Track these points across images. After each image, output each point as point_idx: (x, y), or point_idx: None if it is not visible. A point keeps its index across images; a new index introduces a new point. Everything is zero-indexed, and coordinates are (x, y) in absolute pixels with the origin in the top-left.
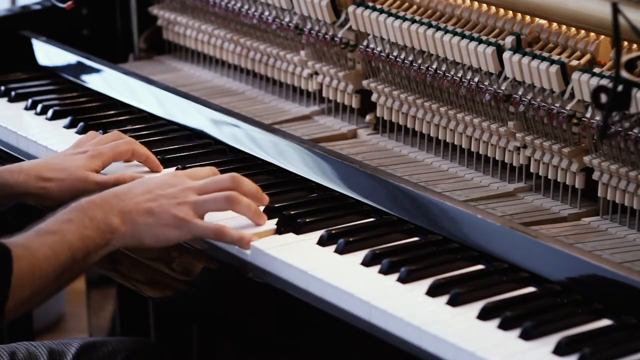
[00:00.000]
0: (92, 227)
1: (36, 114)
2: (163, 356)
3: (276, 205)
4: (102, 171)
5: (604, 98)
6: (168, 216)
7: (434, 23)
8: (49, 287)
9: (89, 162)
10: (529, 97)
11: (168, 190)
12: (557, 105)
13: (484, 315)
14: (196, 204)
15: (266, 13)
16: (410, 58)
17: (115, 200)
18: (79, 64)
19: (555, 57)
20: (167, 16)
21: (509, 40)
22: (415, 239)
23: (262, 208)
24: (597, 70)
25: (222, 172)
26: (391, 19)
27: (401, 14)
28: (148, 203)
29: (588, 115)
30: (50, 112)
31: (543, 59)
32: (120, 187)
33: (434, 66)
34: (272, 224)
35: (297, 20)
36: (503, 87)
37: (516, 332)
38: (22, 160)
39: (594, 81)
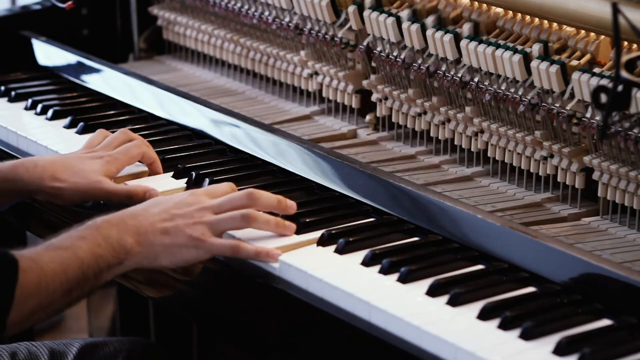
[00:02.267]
0: (105, 246)
1: (36, 114)
2: (163, 356)
3: None
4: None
5: (604, 98)
6: (184, 236)
7: (434, 23)
8: (55, 302)
9: (104, 167)
10: (529, 97)
11: (184, 209)
12: (557, 105)
13: (484, 315)
14: (212, 223)
15: (266, 13)
16: (410, 58)
17: (131, 220)
18: (79, 64)
19: (555, 57)
20: (167, 16)
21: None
22: (415, 239)
23: None
24: (597, 70)
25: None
26: (391, 18)
27: (401, 13)
28: (164, 223)
29: (588, 115)
30: (50, 112)
31: (543, 58)
32: (137, 207)
33: (434, 66)
34: None
35: (297, 20)
36: (503, 87)
37: (516, 332)
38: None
39: (594, 81)
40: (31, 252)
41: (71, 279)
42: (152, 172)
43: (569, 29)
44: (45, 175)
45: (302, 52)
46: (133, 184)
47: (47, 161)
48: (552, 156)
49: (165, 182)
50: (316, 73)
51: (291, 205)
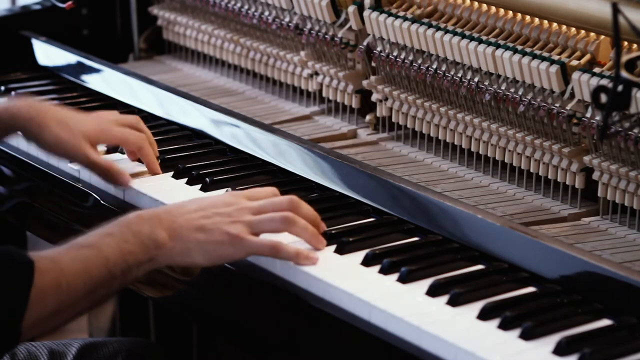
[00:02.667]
0: (135, 242)
1: None
2: (163, 356)
3: None
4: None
5: (604, 98)
6: (220, 233)
7: (434, 23)
8: (78, 302)
9: (93, 131)
10: (529, 97)
11: (223, 209)
12: (557, 105)
13: (484, 315)
14: (251, 223)
15: (266, 13)
16: (411, 58)
17: (166, 216)
18: (79, 64)
19: (555, 57)
20: (167, 16)
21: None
22: (415, 239)
23: None
24: (597, 70)
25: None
26: (391, 18)
27: (401, 14)
28: (200, 220)
29: (588, 115)
30: None
31: (543, 58)
32: (173, 204)
33: (434, 66)
34: None
35: (297, 20)
36: (503, 87)
37: (516, 332)
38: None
39: (594, 81)
40: (52, 252)
41: (95, 278)
42: (147, 166)
43: (570, 29)
44: (34, 117)
45: (302, 52)
46: (116, 163)
47: (44, 106)
48: (552, 157)
49: (165, 182)
50: (316, 73)
51: (323, 225)
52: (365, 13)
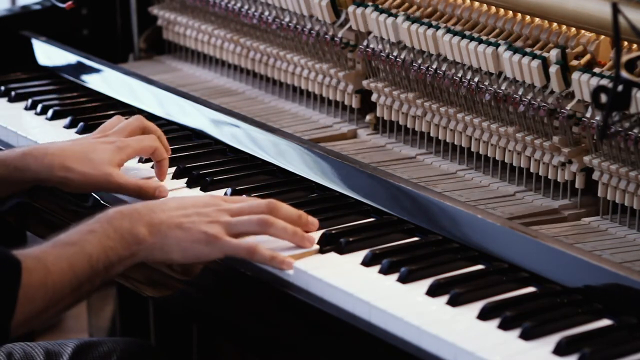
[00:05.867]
0: (116, 238)
1: (36, 114)
2: (159, 357)
3: None
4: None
5: (604, 98)
6: (198, 232)
7: (434, 23)
8: (64, 299)
9: (114, 155)
10: (529, 97)
11: (202, 209)
12: (557, 103)
13: (484, 315)
14: (228, 224)
15: (266, 13)
16: (411, 58)
17: (146, 211)
18: (79, 64)
19: (553, 56)
20: (167, 16)
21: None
22: (415, 239)
23: None
24: (597, 70)
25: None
26: (391, 18)
27: (401, 13)
28: (180, 218)
29: (588, 115)
30: (50, 112)
31: (543, 58)
32: (153, 201)
33: (434, 66)
34: None
35: (296, 20)
36: (503, 87)
37: (516, 332)
38: None
39: (594, 81)
40: (37, 250)
41: (80, 275)
42: (156, 173)
43: (570, 29)
44: (54, 164)
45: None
46: (144, 179)
47: (56, 149)
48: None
49: (165, 183)
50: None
51: (313, 222)
52: (358, 11)
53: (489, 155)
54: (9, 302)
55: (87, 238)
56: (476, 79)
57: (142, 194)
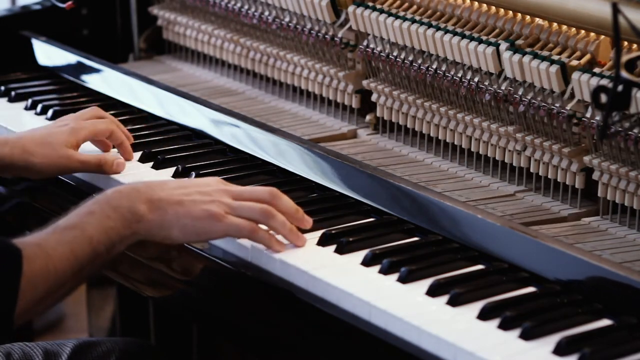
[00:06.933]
0: (116, 217)
1: (36, 114)
2: (159, 357)
3: None
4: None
5: (604, 98)
6: (200, 210)
7: (434, 23)
8: (65, 284)
9: (69, 137)
10: (529, 97)
11: (204, 188)
12: (557, 105)
13: (484, 315)
14: (231, 206)
15: (266, 13)
16: (411, 58)
17: (145, 189)
18: (79, 64)
19: (555, 57)
20: (167, 16)
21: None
22: (415, 239)
23: None
24: (597, 70)
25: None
26: (391, 18)
27: (401, 13)
28: (181, 196)
29: (588, 115)
30: (50, 112)
31: (543, 58)
32: (153, 180)
33: (434, 66)
34: None
35: (296, 20)
36: (503, 87)
37: (516, 332)
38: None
39: (594, 81)
40: (37, 237)
41: (81, 258)
42: (122, 155)
43: (570, 29)
44: (15, 150)
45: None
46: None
47: (17, 136)
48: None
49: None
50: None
51: (307, 220)
52: (358, 10)
53: (489, 155)
54: (12, 292)
55: (87, 220)
56: (476, 79)
57: (103, 167)
